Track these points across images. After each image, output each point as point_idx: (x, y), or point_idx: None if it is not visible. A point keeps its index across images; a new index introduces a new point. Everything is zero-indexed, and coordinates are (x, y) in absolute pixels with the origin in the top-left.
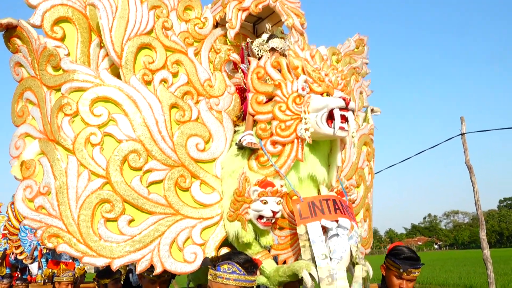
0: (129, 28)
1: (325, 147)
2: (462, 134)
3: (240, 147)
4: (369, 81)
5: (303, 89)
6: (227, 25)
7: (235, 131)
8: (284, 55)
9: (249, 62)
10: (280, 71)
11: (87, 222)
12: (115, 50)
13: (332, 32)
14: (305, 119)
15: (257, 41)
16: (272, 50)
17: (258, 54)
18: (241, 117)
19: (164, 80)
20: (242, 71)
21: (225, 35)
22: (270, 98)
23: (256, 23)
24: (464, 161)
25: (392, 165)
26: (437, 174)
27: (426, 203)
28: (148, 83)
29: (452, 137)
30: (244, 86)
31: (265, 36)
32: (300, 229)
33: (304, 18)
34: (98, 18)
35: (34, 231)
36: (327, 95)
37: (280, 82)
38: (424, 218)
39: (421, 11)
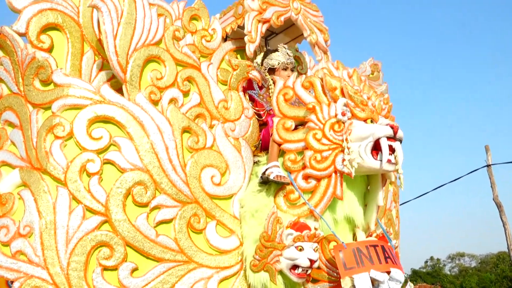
0: (135, 37)
1: (362, 183)
2: (488, 165)
3: (265, 182)
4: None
5: (343, 114)
6: (245, 38)
7: (254, 162)
8: (292, 69)
9: (273, 82)
10: (312, 92)
11: (79, 272)
12: (119, 63)
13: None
14: (348, 148)
15: (258, 60)
16: (272, 70)
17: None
18: (259, 146)
19: (173, 100)
20: (251, 98)
21: (236, 51)
22: (299, 124)
23: (268, 38)
24: (492, 198)
25: (404, 203)
26: (440, 212)
27: (428, 244)
28: (155, 103)
29: (477, 169)
30: (256, 114)
31: (259, 58)
32: (345, 283)
33: (328, 34)
34: (101, 24)
35: (10, 283)
36: (371, 121)
37: (314, 105)
38: (426, 262)
39: (441, 28)
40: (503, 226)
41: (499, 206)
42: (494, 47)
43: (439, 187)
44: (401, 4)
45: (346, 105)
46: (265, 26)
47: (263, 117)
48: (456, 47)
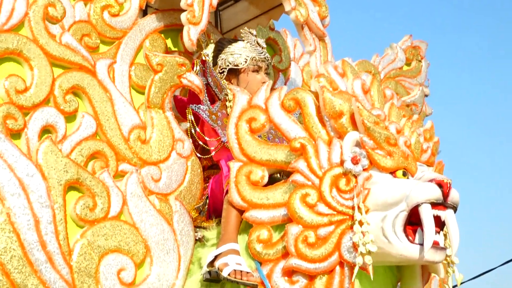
0: None
1: (388, 282)
2: None
3: (214, 280)
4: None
5: (355, 160)
6: (183, 16)
7: (197, 239)
8: (267, 73)
9: (225, 94)
10: (300, 116)
11: None
12: None
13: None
14: (364, 223)
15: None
16: (234, 72)
17: (218, 74)
18: (204, 210)
19: (49, 130)
20: (197, 118)
21: (164, 31)
22: (276, 174)
23: (221, 9)
24: None
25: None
26: None
27: None
28: (14, 135)
29: None
30: (201, 148)
31: (208, 50)
32: None
33: (327, 7)
34: None
35: None
36: (404, 174)
37: (304, 143)
38: None
39: None
40: None
41: None
42: None
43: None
44: None
45: (360, 144)
46: None
47: (216, 155)
48: None
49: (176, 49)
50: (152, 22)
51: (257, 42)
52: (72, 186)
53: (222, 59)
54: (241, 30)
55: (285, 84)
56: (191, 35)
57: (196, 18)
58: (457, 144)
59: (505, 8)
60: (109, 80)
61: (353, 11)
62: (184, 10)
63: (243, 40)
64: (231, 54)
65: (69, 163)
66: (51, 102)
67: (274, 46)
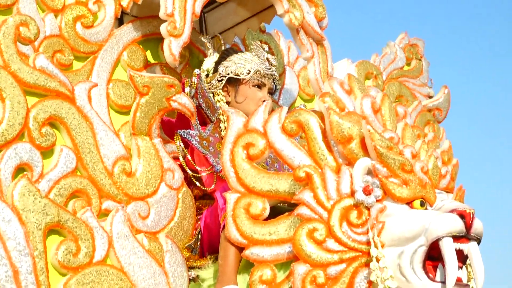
0: None
1: None
2: None
3: None
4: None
5: (367, 191)
6: (162, 28)
7: (191, 279)
8: (270, 92)
9: (218, 114)
10: (301, 141)
11: None
12: None
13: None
14: (380, 257)
15: (207, 63)
16: (234, 82)
17: (210, 94)
18: (197, 247)
19: (24, 168)
20: (187, 145)
21: (143, 42)
22: (278, 205)
23: (206, 11)
24: None
25: None
26: None
27: None
28: None
29: None
30: (193, 179)
31: (209, 63)
32: None
33: (324, 7)
34: None
35: None
36: (422, 204)
37: (310, 172)
38: None
39: None
40: None
41: None
42: None
43: None
44: None
45: (372, 172)
46: None
47: (209, 186)
48: None
49: (157, 61)
50: (129, 32)
51: (267, 58)
52: (53, 229)
53: (224, 66)
54: (252, 42)
55: (279, 92)
56: (172, 49)
57: (178, 29)
58: (470, 151)
59: None
60: (90, 106)
61: (346, 8)
62: None
63: (252, 52)
64: (235, 63)
65: (49, 204)
66: (26, 136)
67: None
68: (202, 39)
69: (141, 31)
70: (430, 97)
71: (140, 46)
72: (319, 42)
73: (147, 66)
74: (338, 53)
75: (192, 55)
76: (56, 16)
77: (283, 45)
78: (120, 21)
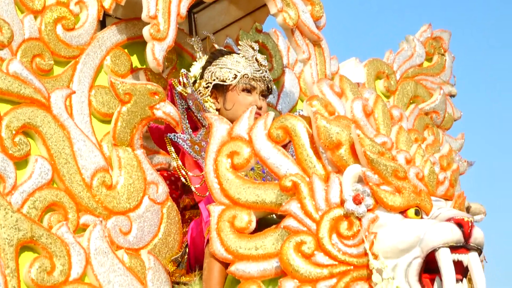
0: None
1: None
2: None
3: None
4: (462, 138)
5: (357, 200)
6: (145, 31)
7: None
8: (264, 95)
9: (197, 123)
10: (291, 150)
11: None
12: None
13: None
14: (383, 269)
15: (195, 68)
16: (221, 88)
17: (201, 99)
18: (184, 262)
19: None
20: (177, 149)
21: (127, 46)
22: (264, 217)
23: (195, 11)
24: None
25: None
26: None
27: None
28: None
29: None
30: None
31: (197, 67)
32: None
33: (321, 6)
34: None
35: None
36: (417, 213)
37: (297, 181)
38: None
39: None
40: None
41: None
42: None
43: None
44: None
45: (363, 180)
46: None
47: (203, 193)
48: None
49: (143, 66)
50: (113, 35)
51: (255, 58)
52: (26, 246)
53: (210, 71)
54: (239, 43)
55: (278, 96)
56: (156, 53)
57: (161, 32)
58: (490, 152)
59: None
60: (67, 114)
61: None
62: None
63: (239, 54)
64: (220, 68)
65: (21, 218)
66: None
67: (263, 51)
68: (189, 41)
69: (126, 34)
70: (452, 95)
71: (125, 50)
72: (316, 43)
73: (132, 71)
74: (349, 52)
75: (181, 58)
76: (35, 17)
77: (282, 46)
78: (102, 24)
